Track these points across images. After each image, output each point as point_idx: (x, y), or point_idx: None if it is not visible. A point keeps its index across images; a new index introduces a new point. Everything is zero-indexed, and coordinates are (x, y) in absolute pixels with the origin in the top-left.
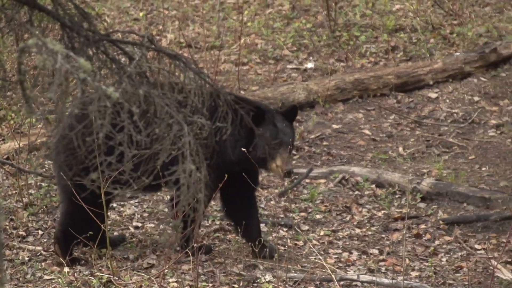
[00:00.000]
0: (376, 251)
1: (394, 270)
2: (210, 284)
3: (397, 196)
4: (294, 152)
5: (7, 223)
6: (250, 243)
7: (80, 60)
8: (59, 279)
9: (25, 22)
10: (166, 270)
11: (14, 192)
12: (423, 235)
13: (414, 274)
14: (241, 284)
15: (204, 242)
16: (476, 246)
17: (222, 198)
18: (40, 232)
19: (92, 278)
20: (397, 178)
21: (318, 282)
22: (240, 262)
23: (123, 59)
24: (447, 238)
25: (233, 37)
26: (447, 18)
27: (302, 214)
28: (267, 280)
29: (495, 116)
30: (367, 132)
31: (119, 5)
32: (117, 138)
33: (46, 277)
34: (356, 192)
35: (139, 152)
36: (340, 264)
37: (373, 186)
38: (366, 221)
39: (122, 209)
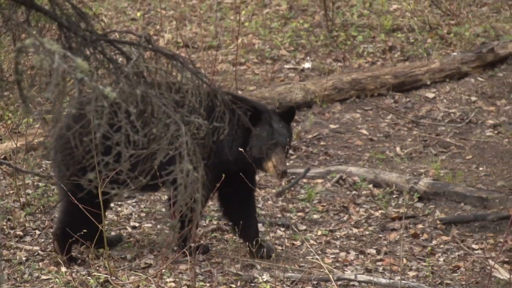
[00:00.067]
0: (373, 251)
1: (392, 270)
2: (208, 284)
3: (394, 196)
4: (291, 152)
5: (5, 223)
6: (247, 243)
7: (77, 60)
8: (57, 279)
9: (22, 22)
10: (163, 270)
11: (12, 192)
12: (421, 235)
13: (411, 274)
14: (238, 284)
15: (202, 242)
16: (474, 246)
17: (220, 198)
18: (37, 232)
19: (89, 278)
20: (395, 178)
21: (315, 282)
22: (238, 262)
23: (120, 59)
24: (445, 238)
25: (230, 37)
26: (445, 18)
27: (300, 214)
28: (264, 280)
29: (492, 116)
30: (364, 132)
31: (117, 5)
32: (114, 138)
33: (43, 277)
34: (354, 192)
35: (136, 152)
36: (337, 264)
37: (371, 186)
38: (364, 221)
39: (119, 209)
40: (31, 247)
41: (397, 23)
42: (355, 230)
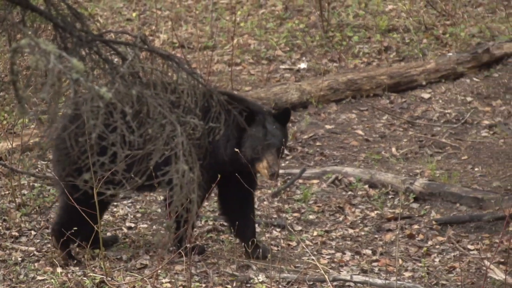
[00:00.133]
0: (369, 252)
1: (387, 271)
2: (203, 285)
3: (390, 197)
4: (287, 152)
5: (0, 224)
6: (243, 243)
7: (73, 60)
8: (52, 280)
9: (17, 22)
10: (159, 271)
11: (7, 192)
12: (416, 236)
13: (407, 274)
14: (234, 284)
15: (197, 242)
16: (469, 247)
17: (219, 198)
18: (33, 232)
19: (85, 278)
20: (390, 179)
21: (311, 283)
22: (233, 262)
23: (116, 59)
24: (440, 238)
25: (226, 37)
26: (440, 19)
27: (295, 214)
28: (260, 280)
29: (488, 117)
30: (360, 132)
31: (112, 6)
32: (110, 139)
33: (39, 277)
34: (349, 193)
35: (132, 153)
36: (333, 265)
37: (366, 186)
38: (359, 221)
39: (115, 209)
40: (26, 248)
41: (392, 23)
42: (350, 231)
